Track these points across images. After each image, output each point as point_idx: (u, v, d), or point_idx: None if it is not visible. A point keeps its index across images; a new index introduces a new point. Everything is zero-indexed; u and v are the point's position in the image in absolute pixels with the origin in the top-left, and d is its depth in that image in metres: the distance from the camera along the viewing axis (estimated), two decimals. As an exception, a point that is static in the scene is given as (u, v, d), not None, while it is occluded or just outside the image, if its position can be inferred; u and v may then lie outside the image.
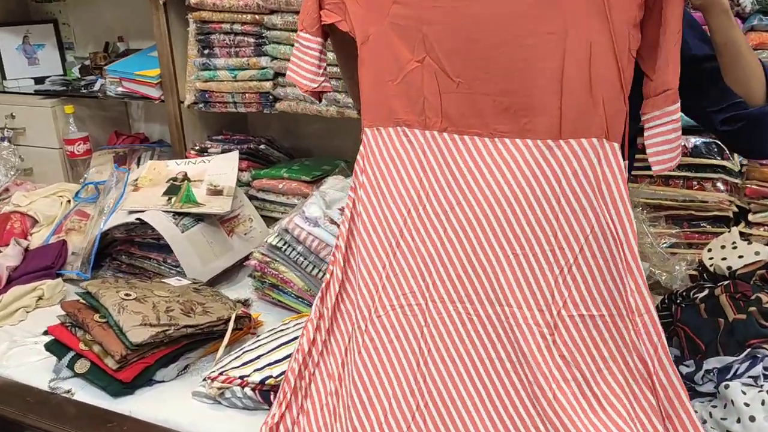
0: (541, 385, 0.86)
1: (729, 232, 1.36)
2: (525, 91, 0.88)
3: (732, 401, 0.94)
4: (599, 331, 0.87)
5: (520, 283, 0.89)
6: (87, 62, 2.27)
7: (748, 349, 1.00)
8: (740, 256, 1.23)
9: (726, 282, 1.17)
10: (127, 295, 1.28)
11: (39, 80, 2.34)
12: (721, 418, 0.96)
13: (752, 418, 0.91)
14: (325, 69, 1.04)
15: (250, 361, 1.19)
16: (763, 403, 0.92)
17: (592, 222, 0.87)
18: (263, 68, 1.75)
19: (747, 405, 0.93)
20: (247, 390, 1.14)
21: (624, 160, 0.87)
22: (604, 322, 0.87)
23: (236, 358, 1.22)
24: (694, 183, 1.43)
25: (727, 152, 1.39)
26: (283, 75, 1.73)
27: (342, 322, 0.99)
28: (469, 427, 0.90)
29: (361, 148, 0.99)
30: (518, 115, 0.89)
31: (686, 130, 0.99)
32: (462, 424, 0.90)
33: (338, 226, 1.41)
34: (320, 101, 1.16)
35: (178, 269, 1.56)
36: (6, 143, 2.16)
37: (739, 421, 0.93)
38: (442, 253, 0.93)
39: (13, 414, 1.20)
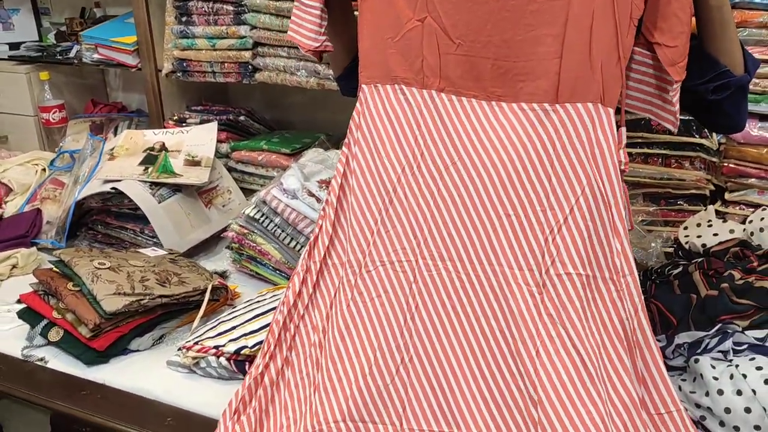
0: (525, 342, 0.87)
1: (705, 210, 1.38)
2: (525, 57, 0.88)
3: (701, 375, 0.96)
4: (584, 289, 0.88)
5: (512, 243, 0.90)
6: (63, 28, 2.21)
7: (719, 325, 1.01)
8: (715, 234, 1.24)
9: (700, 259, 1.18)
10: (101, 264, 1.26)
11: (14, 46, 2.27)
12: (690, 392, 0.97)
13: (720, 392, 0.93)
14: (326, 28, 1.02)
15: (226, 331, 1.19)
16: (731, 377, 0.94)
17: (583, 184, 0.88)
18: (242, 37, 1.71)
19: (716, 379, 0.94)
20: (222, 360, 1.14)
21: (619, 126, 0.89)
22: (588, 282, 0.88)
23: (212, 328, 1.21)
24: (673, 161, 1.44)
25: (706, 131, 1.40)
26: (263, 45, 1.70)
27: (329, 277, 0.99)
28: (452, 382, 0.91)
29: (357, 104, 0.99)
30: (516, 79, 0.89)
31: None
32: (445, 379, 0.91)
33: (316, 198, 1.40)
34: (320, 61, 1.15)
35: (154, 240, 1.54)
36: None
37: (707, 394, 0.94)
38: (435, 212, 0.93)
39: (-16, 382, 1.19)
